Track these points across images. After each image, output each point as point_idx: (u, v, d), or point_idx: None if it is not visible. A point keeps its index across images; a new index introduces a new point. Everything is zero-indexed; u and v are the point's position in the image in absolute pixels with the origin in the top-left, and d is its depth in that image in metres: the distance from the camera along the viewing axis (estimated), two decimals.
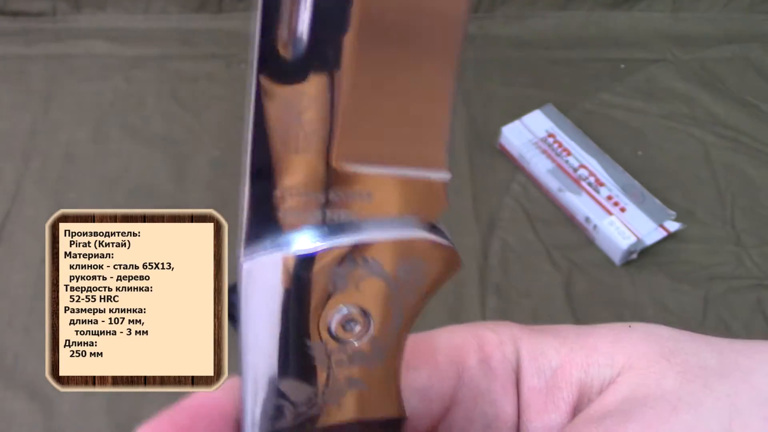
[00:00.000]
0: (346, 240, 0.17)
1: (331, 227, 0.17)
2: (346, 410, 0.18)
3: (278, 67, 0.15)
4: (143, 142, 0.81)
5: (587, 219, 0.73)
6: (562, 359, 0.20)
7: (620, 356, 0.19)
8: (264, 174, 0.17)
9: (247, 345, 0.18)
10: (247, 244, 0.17)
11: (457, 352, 0.21)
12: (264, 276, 0.17)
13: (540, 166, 0.77)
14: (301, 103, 0.16)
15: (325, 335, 0.17)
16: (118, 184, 0.77)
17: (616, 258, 0.72)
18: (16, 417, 0.61)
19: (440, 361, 0.20)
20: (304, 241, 0.17)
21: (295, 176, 0.16)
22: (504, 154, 0.81)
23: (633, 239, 0.71)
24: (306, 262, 0.17)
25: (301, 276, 0.17)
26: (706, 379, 0.18)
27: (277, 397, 0.18)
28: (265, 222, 0.17)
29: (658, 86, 0.88)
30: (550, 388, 0.20)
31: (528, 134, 0.80)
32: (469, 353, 0.21)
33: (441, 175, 0.17)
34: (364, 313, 0.17)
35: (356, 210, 0.17)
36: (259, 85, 0.16)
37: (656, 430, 0.17)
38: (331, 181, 0.17)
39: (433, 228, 0.17)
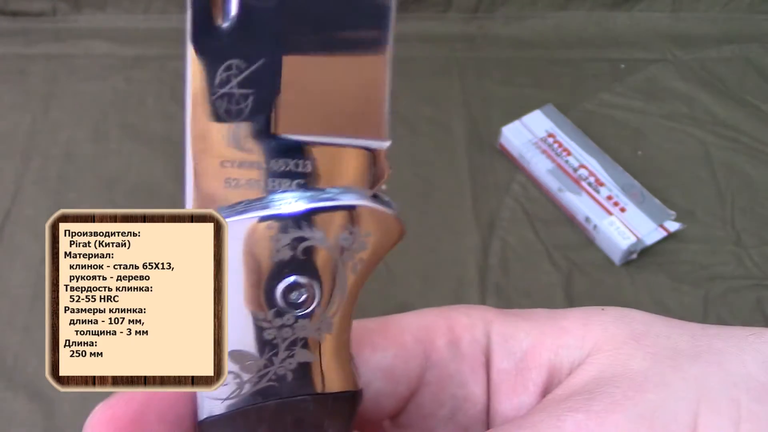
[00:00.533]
0: (289, 208, 0.17)
1: (274, 197, 0.17)
2: (296, 384, 0.18)
3: (213, 38, 0.16)
4: (143, 142, 0.81)
5: (587, 219, 0.73)
6: (533, 341, 0.20)
7: (590, 338, 0.19)
8: (202, 145, 0.17)
9: None
10: (194, 206, 0.18)
11: (425, 333, 0.21)
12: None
13: (540, 166, 0.77)
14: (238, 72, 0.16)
15: (272, 304, 0.17)
16: (118, 184, 0.77)
17: (616, 258, 0.72)
18: (16, 417, 0.61)
19: (407, 341, 0.20)
20: (248, 209, 0.17)
21: (236, 145, 0.17)
22: (504, 154, 0.81)
23: (633, 239, 0.71)
24: (251, 230, 0.17)
25: (246, 244, 0.17)
26: (675, 360, 0.17)
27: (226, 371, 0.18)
28: (208, 194, 0.17)
29: (658, 86, 0.88)
30: (519, 370, 0.20)
31: (528, 134, 0.80)
32: (438, 334, 0.21)
33: (381, 144, 0.17)
34: (309, 283, 0.17)
35: (297, 178, 0.17)
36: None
37: (620, 408, 0.17)
38: (274, 150, 0.17)
39: (375, 197, 0.18)
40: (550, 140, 0.79)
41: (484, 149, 0.81)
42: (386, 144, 0.17)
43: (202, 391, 0.18)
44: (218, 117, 0.17)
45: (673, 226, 0.73)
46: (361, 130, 0.17)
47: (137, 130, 0.82)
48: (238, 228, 0.17)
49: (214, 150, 0.17)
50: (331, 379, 0.18)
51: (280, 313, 0.17)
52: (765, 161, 0.80)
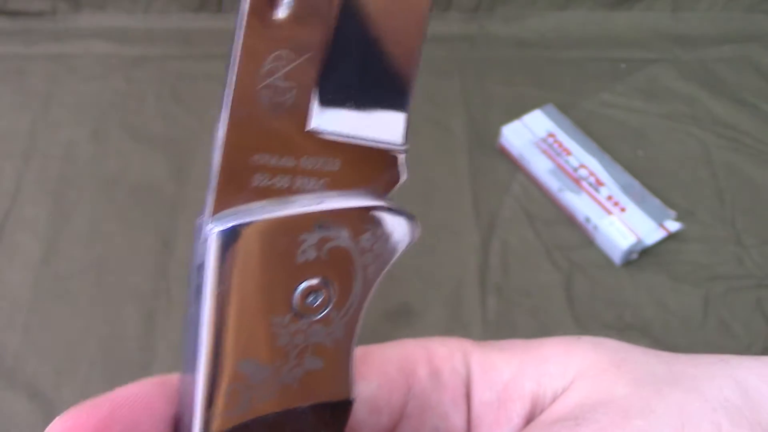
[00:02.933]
0: (315, 207, 0.17)
1: (301, 195, 0.17)
2: (300, 392, 0.18)
3: (266, 29, 0.16)
4: (143, 142, 0.81)
5: (587, 219, 0.73)
6: (514, 372, 0.20)
7: (572, 366, 0.19)
8: (238, 138, 0.17)
9: (206, 321, 0.17)
10: (214, 211, 0.17)
11: (407, 364, 0.21)
12: (233, 244, 0.17)
13: (540, 166, 0.77)
14: (284, 68, 0.16)
15: (289, 308, 0.17)
16: (118, 184, 0.77)
17: (616, 258, 0.72)
18: (16, 417, 0.61)
19: (390, 372, 0.20)
20: (276, 208, 0.17)
21: (271, 141, 0.17)
22: (504, 154, 0.81)
23: (633, 239, 0.71)
24: (277, 229, 0.17)
25: (271, 244, 0.17)
26: (656, 386, 0.18)
27: (233, 381, 0.17)
28: (234, 189, 0.17)
29: (659, 86, 0.88)
30: (502, 401, 0.20)
31: (528, 134, 0.80)
32: (419, 365, 0.21)
33: (403, 147, 0.18)
34: (327, 284, 0.17)
35: (324, 178, 0.17)
36: (243, 42, 0.16)
37: None
38: (305, 148, 0.17)
39: (388, 200, 0.18)
40: (551, 140, 0.79)
41: (484, 149, 0.81)
42: (404, 148, 0.18)
43: (205, 413, 0.17)
44: (260, 108, 0.16)
45: (673, 226, 0.73)
46: (385, 134, 0.17)
47: (137, 130, 0.82)
48: (265, 227, 0.17)
49: (250, 142, 0.17)
50: (332, 388, 0.18)
51: (296, 318, 0.17)
52: (765, 161, 0.80)
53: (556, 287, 0.71)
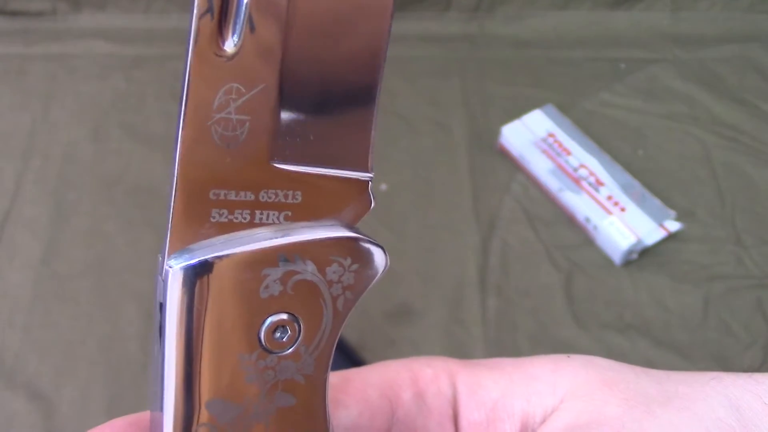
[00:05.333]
0: (277, 241, 0.16)
1: (263, 229, 0.16)
2: (274, 430, 0.17)
3: (214, 62, 0.16)
4: (143, 142, 0.81)
5: (587, 219, 0.73)
6: (502, 391, 0.20)
7: (562, 385, 0.19)
8: (192, 175, 0.16)
9: (170, 362, 0.16)
10: (173, 249, 0.17)
11: (390, 387, 0.20)
12: (193, 282, 0.16)
13: (540, 166, 0.77)
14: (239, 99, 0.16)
15: (255, 345, 0.17)
16: (118, 184, 0.77)
17: (616, 258, 0.72)
18: (16, 417, 0.61)
19: (372, 397, 0.20)
20: (236, 243, 0.16)
21: (227, 176, 0.16)
22: (504, 154, 0.81)
23: (633, 239, 0.71)
24: (239, 265, 0.16)
25: (234, 281, 0.16)
26: (648, 406, 0.18)
27: (202, 422, 0.16)
28: (192, 226, 0.17)
29: (658, 86, 0.88)
30: (491, 421, 0.20)
31: (528, 134, 0.80)
32: (403, 388, 0.20)
33: (367, 176, 0.17)
34: (294, 319, 0.17)
35: (286, 211, 0.17)
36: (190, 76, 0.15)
37: None
38: (264, 181, 0.16)
39: (356, 230, 0.17)
40: (550, 140, 0.79)
41: (484, 149, 0.81)
42: (370, 176, 0.17)
43: None
44: (213, 142, 0.16)
45: (673, 226, 0.73)
46: (349, 162, 0.17)
47: (137, 130, 0.82)
48: (225, 263, 0.16)
49: (205, 178, 0.16)
50: (307, 424, 0.17)
51: (264, 354, 0.17)
52: (765, 161, 0.80)
53: (556, 287, 0.71)
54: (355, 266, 0.17)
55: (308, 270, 0.17)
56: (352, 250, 0.17)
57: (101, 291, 0.69)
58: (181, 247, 0.17)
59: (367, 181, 0.17)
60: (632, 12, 0.95)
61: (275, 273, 0.16)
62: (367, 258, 0.17)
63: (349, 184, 0.17)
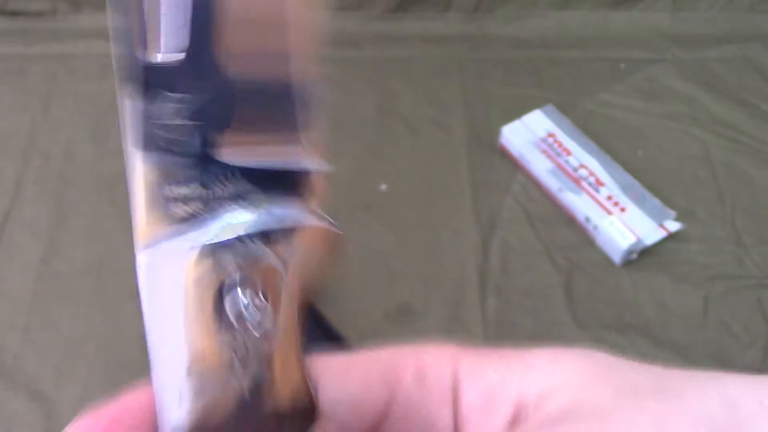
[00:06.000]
0: (233, 229, 0.17)
1: (217, 220, 0.17)
2: (255, 402, 0.18)
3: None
4: None
5: (587, 219, 0.73)
6: (500, 377, 0.20)
7: (557, 375, 0.20)
8: (157, 171, 0.18)
9: (152, 342, 0.18)
10: (141, 241, 0.18)
11: (391, 368, 0.21)
12: (163, 268, 0.18)
13: (540, 166, 0.77)
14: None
15: (225, 325, 0.17)
16: (118, 184, 0.77)
17: (616, 258, 0.72)
18: (16, 417, 0.61)
19: (372, 377, 0.21)
20: (191, 231, 0.17)
21: (179, 172, 0.17)
22: (504, 154, 0.81)
23: (633, 239, 0.71)
24: (196, 254, 0.17)
25: (192, 270, 0.17)
26: (638, 397, 0.18)
27: (186, 392, 0.18)
28: (154, 220, 0.18)
29: (658, 86, 0.88)
30: (487, 405, 0.20)
31: (528, 134, 0.80)
32: (405, 370, 0.21)
33: (320, 167, 0.18)
34: (258, 300, 0.18)
35: (240, 201, 0.17)
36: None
37: None
38: (214, 175, 0.17)
39: (316, 213, 0.18)
40: (550, 140, 0.79)
41: (484, 149, 0.81)
42: (324, 167, 0.18)
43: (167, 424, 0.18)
44: (156, 147, 0.17)
45: (673, 226, 0.73)
46: (295, 160, 0.18)
47: None
48: (182, 253, 0.17)
49: (154, 183, 0.17)
50: (285, 396, 0.18)
51: (231, 332, 0.18)
52: (765, 161, 0.80)
53: (556, 287, 0.71)
54: (310, 249, 0.18)
55: (265, 252, 0.17)
56: (305, 234, 0.18)
57: (101, 291, 0.69)
58: (147, 239, 0.18)
59: (322, 171, 0.18)
60: (632, 12, 0.95)
61: (229, 259, 0.17)
62: (321, 240, 0.18)
63: (302, 174, 0.18)
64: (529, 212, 0.76)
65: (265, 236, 0.17)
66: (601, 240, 0.73)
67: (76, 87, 0.86)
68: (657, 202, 0.75)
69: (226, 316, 0.17)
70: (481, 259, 0.72)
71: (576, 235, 0.75)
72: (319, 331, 0.64)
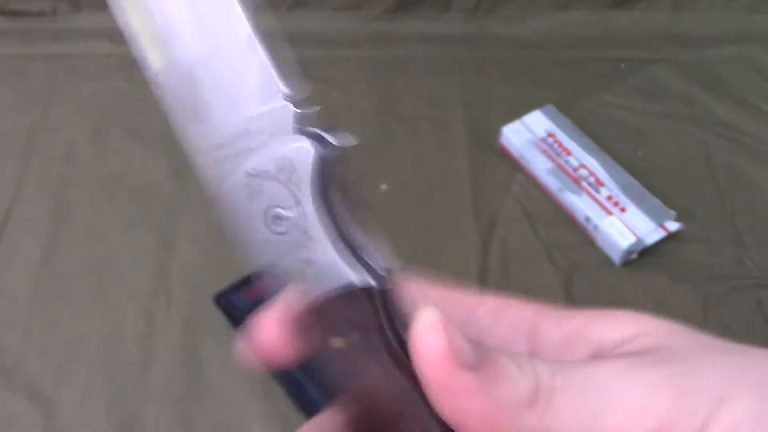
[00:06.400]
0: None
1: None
2: (312, 285, 0.20)
3: None
4: (143, 142, 0.81)
5: (587, 219, 0.73)
6: (582, 324, 0.22)
7: (639, 325, 0.21)
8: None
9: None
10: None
11: (470, 299, 0.24)
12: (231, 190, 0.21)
13: (540, 166, 0.77)
14: None
15: (271, 228, 0.21)
16: (118, 184, 0.77)
17: (616, 258, 0.72)
18: (16, 417, 0.61)
19: (451, 301, 0.23)
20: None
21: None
22: (504, 154, 0.81)
23: (633, 239, 0.71)
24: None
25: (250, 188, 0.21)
26: (712, 349, 0.20)
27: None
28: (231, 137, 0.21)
29: (658, 86, 0.88)
30: (566, 345, 0.22)
31: (528, 134, 0.80)
32: (482, 304, 0.24)
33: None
34: (282, 210, 0.20)
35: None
36: None
37: (659, 367, 0.19)
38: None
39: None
40: (550, 140, 0.79)
41: (484, 149, 0.81)
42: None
43: None
44: None
45: (673, 226, 0.73)
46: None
47: (137, 130, 0.82)
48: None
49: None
50: (331, 279, 0.20)
51: (276, 235, 0.20)
52: (765, 161, 0.80)
53: (556, 287, 0.71)
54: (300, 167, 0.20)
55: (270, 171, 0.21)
56: (295, 147, 0.20)
57: (101, 291, 0.69)
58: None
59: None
60: (632, 12, 0.95)
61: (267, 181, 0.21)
62: (302, 151, 0.20)
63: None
64: (529, 212, 0.76)
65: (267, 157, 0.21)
66: (601, 240, 0.73)
67: (76, 87, 0.86)
68: (657, 202, 0.75)
69: (270, 221, 0.21)
70: (481, 259, 0.72)
71: (576, 235, 0.75)
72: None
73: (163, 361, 0.64)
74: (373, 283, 0.19)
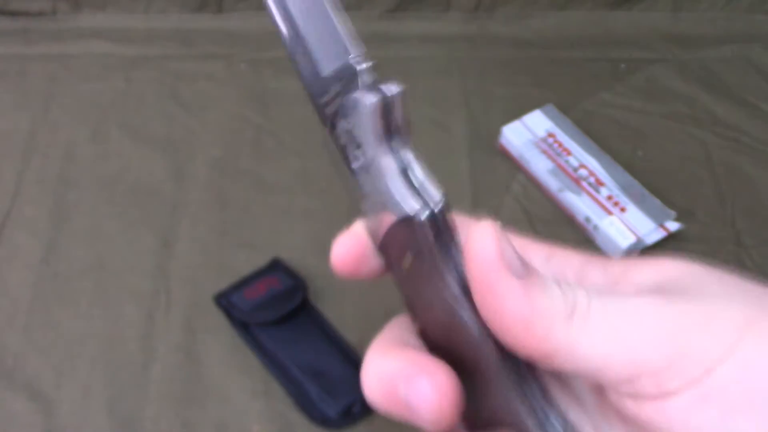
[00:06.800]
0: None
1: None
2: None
3: None
4: (143, 142, 0.81)
5: (587, 219, 0.73)
6: (624, 267, 0.24)
7: (671, 267, 0.23)
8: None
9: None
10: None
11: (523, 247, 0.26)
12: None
13: (540, 166, 0.77)
14: None
15: (351, 166, 0.24)
16: (118, 184, 0.77)
17: (617, 258, 0.72)
18: (16, 417, 0.61)
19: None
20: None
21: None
22: (504, 154, 0.81)
23: (633, 239, 0.71)
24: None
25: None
26: (736, 288, 0.21)
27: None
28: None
29: (658, 86, 0.88)
30: (610, 285, 0.24)
31: (528, 134, 0.80)
32: (537, 247, 0.28)
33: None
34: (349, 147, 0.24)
35: None
36: None
37: (682, 304, 0.21)
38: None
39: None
40: (550, 140, 0.79)
41: (484, 149, 0.81)
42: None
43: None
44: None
45: (673, 226, 0.73)
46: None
47: (137, 130, 0.82)
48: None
49: None
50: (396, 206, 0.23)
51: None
52: (765, 161, 0.80)
53: None
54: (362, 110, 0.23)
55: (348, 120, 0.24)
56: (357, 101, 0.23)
57: (101, 291, 0.69)
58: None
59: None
60: (632, 12, 0.95)
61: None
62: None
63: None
64: (529, 212, 0.76)
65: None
66: (601, 240, 0.73)
67: (76, 87, 0.86)
68: (657, 202, 0.75)
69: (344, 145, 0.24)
70: None
71: (576, 235, 0.75)
72: (339, 353, 0.64)
73: (163, 361, 0.64)
74: (426, 212, 0.22)
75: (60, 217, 0.74)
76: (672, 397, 0.20)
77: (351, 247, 0.24)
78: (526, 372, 0.21)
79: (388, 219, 0.23)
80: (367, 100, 0.22)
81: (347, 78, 0.23)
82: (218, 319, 0.66)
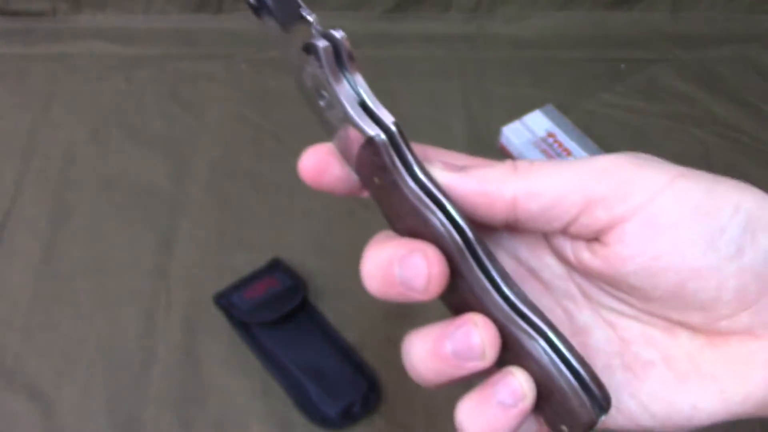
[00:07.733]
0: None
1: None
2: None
3: None
4: (143, 142, 0.81)
5: None
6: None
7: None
8: None
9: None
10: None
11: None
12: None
13: None
14: None
15: (319, 101, 0.28)
16: (118, 184, 0.77)
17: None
18: (16, 417, 0.61)
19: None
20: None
21: None
22: (504, 154, 0.81)
23: None
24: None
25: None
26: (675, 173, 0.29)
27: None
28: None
29: (658, 86, 0.88)
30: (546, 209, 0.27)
31: (528, 134, 0.80)
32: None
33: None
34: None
35: None
36: None
37: (687, 177, 0.28)
38: None
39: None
40: (550, 140, 0.79)
41: (484, 149, 0.81)
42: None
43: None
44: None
45: None
46: None
47: (137, 130, 0.82)
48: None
49: None
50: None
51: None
52: (765, 161, 0.80)
53: None
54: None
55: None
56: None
57: (101, 291, 0.69)
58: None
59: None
60: (632, 12, 0.95)
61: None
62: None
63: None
64: None
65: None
66: None
67: (76, 87, 0.86)
68: None
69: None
70: None
71: None
72: (338, 353, 0.64)
73: (163, 361, 0.64)
74: (383, 135, 0.26)
75: (60, 217, 0.74)
76: (622, 223, 0.24)
77: (317, 157, 0.27)
78: (489, 262, 0.25)
79: (356, 144, 0.26)
80: (321, 44, 0.26)
81: (304, 31, 0.27)
82: (218, 319, 0.66)
